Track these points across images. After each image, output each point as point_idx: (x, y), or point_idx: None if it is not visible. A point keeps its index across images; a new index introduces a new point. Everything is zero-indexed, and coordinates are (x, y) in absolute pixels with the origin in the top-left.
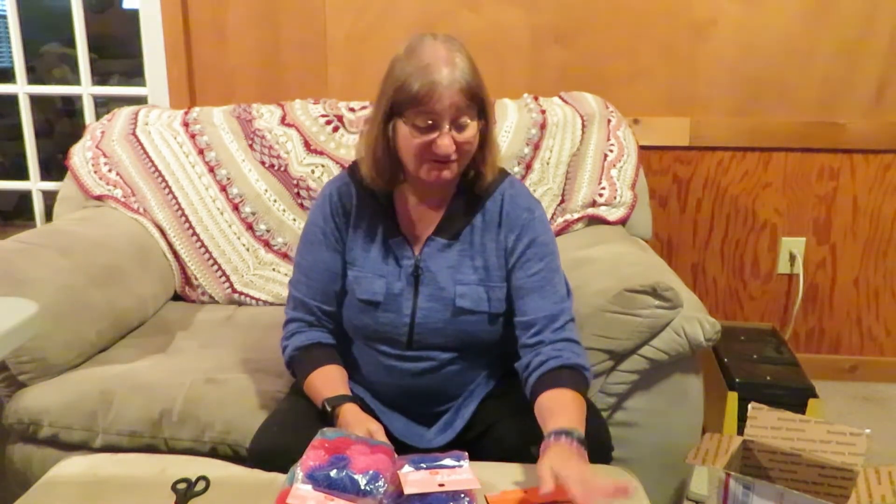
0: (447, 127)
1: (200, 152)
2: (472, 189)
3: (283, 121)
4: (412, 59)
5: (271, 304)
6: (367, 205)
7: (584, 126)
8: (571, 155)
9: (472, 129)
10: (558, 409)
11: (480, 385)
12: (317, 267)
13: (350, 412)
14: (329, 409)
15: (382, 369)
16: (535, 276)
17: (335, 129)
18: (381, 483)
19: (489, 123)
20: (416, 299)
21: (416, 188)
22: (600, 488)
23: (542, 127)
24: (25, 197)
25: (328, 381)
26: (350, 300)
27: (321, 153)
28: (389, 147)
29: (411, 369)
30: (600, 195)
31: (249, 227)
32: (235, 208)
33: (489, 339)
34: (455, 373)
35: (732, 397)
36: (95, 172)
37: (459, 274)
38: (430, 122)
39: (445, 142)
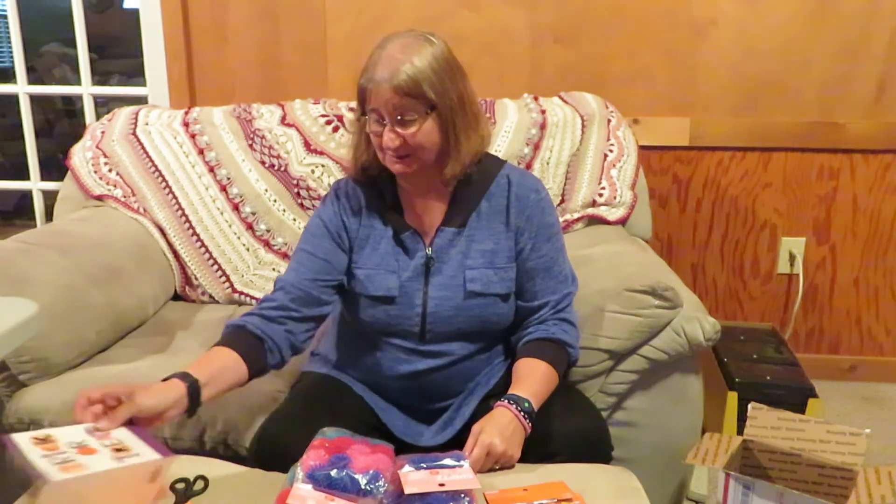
0: (388, 123)
1: (200, 152)
2: (472, 176)
3: (283, 121)
4: (370, 57)
5: None
6: (374, 204)
7: (584, 126)
8: (571, 155)
9: (417, 125)
10: (523, 377)
11: (481, 384)
12: (317, 254)
13: (160, 384)
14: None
15: (393, 364)
16: (543, 256)
17: (335, 129)
18: (381, 483)
19: (449, 118)
20: (427, 289)
21: (406, 183)
22: (489, 461)
23: (542, 127)
24: (25, 197)
25: (206, 358)
26: (361, 298)
27: (321, 153)
28: (370, 147)
29: (423, 368)
30: (600, 195)
31: (249, 227)
32: (235, 208)
33: (500, 322)
34: (464, 368)
35: (732, 397)
36: (95, 172)
37: (469, 259)
38: (376, 117)
39: (387, 137)
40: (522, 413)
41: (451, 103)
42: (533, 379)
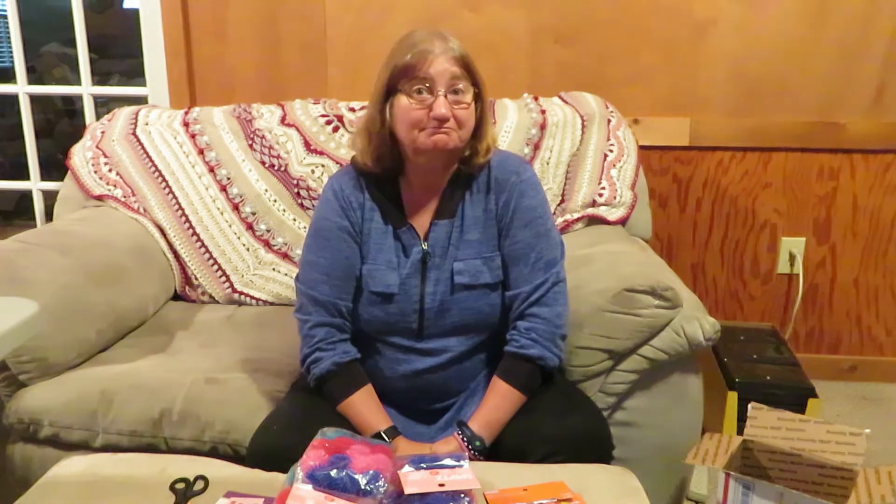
0: (443, 91)
1: (200, 152)
2: (466, 168)
3: (283, 121)
4: (406, 41)
5: (271, 303)
6: (375, 197)
7: (583, 126)
8: (571, 155)
9: (468, 97)
10: (484, 404)
11: (481, 384)
12: (338, 264)
13: (403, 443)
14: (388, 440)
15: (392, 365)
16: (518, 243)
17: (335, 129)
18: (381, 483)
19: (484, 104)
20: (424, 285)
21: (415, 173)
22: None
23: (542, 127)
24: (25, 197)
25: (374, 406)
26: (361, 293)
27: (321, 153)
28: (384, 125)
29: (422, 366)
30: (600, 195)
31: (249, 227)
32: (235, 208)
33: (493, 314)
34: (463, 367)
35: (732, 397)
36: (95, 172)
37: (459, 251)
38: (426, 86)
39: (441, 105)
40: (474, 451)
41: (484, 93)
42: (494, 405)
